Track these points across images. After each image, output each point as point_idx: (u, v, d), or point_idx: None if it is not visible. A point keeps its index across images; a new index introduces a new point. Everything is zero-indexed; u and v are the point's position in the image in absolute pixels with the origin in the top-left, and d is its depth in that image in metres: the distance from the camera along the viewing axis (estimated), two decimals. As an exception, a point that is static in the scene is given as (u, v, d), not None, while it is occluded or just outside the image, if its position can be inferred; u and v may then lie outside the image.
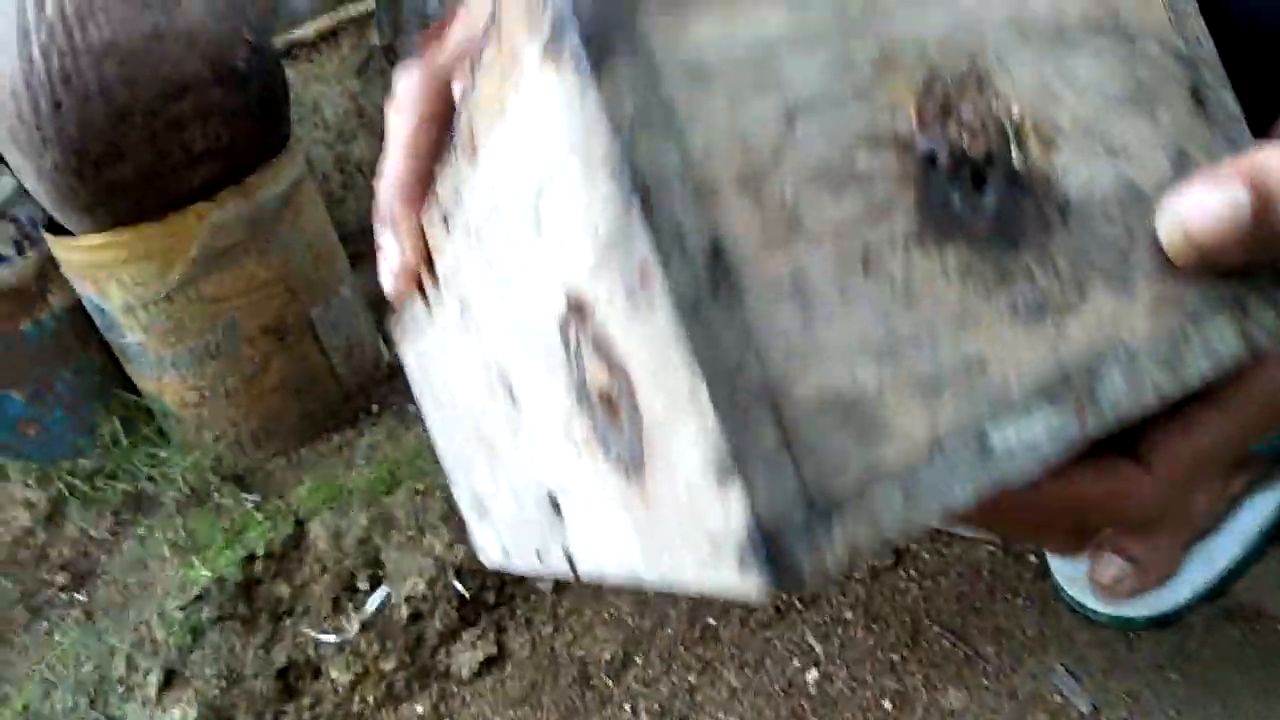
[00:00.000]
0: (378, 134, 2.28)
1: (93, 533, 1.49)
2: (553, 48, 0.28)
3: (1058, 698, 1.11)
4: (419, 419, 1.57)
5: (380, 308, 1.93)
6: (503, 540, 0.58)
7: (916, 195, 0.31)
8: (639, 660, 1.34)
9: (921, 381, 0.30)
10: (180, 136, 1.36)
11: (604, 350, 0.31)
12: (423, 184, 0.42)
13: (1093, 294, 0.34)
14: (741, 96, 0.29)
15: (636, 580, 0.37)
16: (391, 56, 2.24)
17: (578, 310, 0.32)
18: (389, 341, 1.77)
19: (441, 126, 0.43)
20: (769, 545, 0.27)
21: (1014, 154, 0.33)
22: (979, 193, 0.32)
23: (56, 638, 1.34)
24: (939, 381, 0.30)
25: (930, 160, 0.31)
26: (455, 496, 0.63)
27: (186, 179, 1.38)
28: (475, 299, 0.41)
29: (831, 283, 0.30)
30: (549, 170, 0.30)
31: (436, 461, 1.48)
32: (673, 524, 0.31)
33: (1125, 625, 1.13)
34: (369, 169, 2.30)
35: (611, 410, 0.32)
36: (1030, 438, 0.32)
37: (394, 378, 1.70)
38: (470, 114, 0.35)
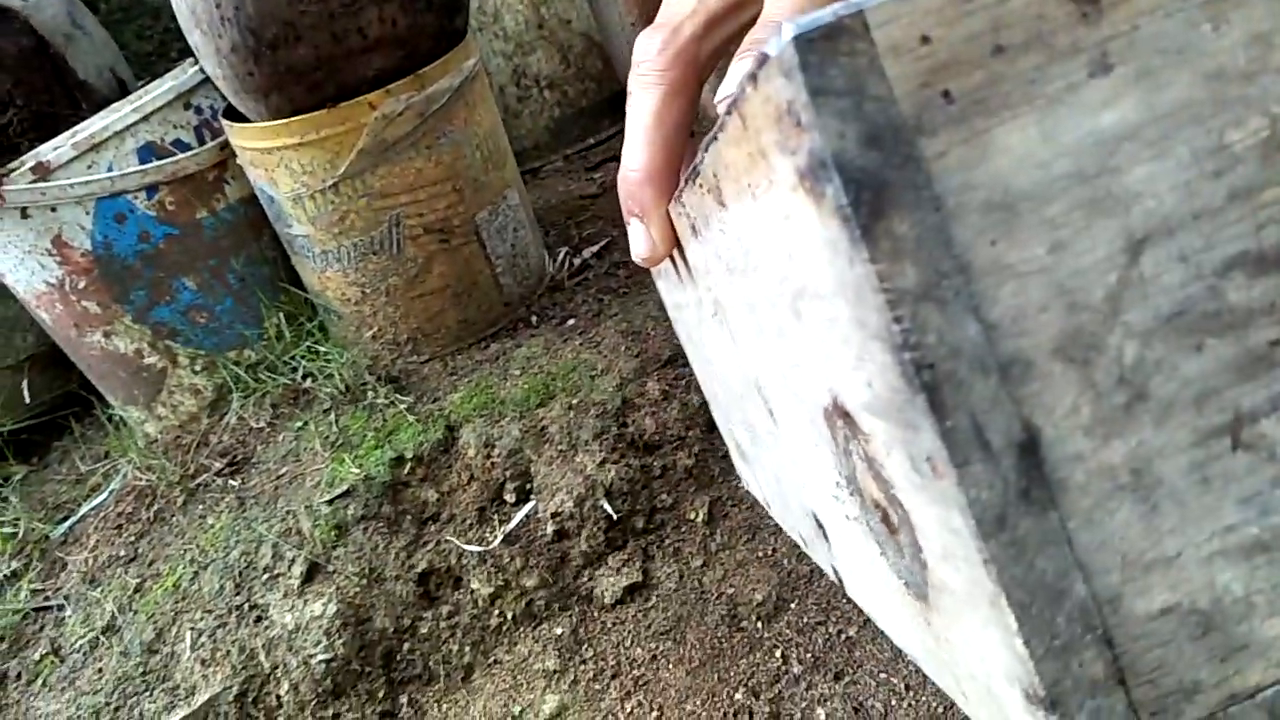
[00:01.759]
0: (558, 46, 2.21)
1: (252, 423, 1.50)
2: (812, 185, 0.23)
3: None
4: (579, 333, 1.50)
5: (549, 221, 1.86)
6: (763, 492, 0.53)
7: None
8: (794, 605, 1.24)
9: None
10: (357, 21, 1.32)
11: (879, 478, 0.27)
12: (671, 172, 0.39)
13: None
14: (1066, 232, 0.23)
15: (906, 652, 0.34)
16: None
17: (846, 417, 0.28)
18: (554, 255, 1.70)
19: (689, 100, 0.39)
20: None
21: None
22: None
23: (210, 521, 1.34)
24: None
25: None
26: (713, 415, 0.56)
27: (361, 66, 1.34)
28: (732, 312, 0.37)
29: (1186, 468, 0.24)
30: (810, 285, 0.25)
31: (594, 377, 1.41)
32: (966, 676, 0.28)
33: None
34: (546, 82, 2.23)
35: (889, 527, 0.29)
36: None
37: (557, 291, 1.63)
38: (714, 163, 0.30)
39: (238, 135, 1.41)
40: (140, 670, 1.21)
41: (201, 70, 1.53)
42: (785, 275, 0.27)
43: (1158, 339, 0.24)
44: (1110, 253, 0.23)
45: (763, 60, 0.23)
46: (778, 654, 1.19)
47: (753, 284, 0.32)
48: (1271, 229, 0.24)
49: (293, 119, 1.32)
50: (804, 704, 1.12)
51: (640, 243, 0.41)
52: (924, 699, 1.10)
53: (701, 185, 0.33)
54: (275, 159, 1.36)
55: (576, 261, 1.70)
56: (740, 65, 0.34)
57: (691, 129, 0.40)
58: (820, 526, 0.40)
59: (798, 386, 0.32)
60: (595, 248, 1.73)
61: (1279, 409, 0.24)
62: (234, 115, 1.46)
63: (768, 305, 0.31)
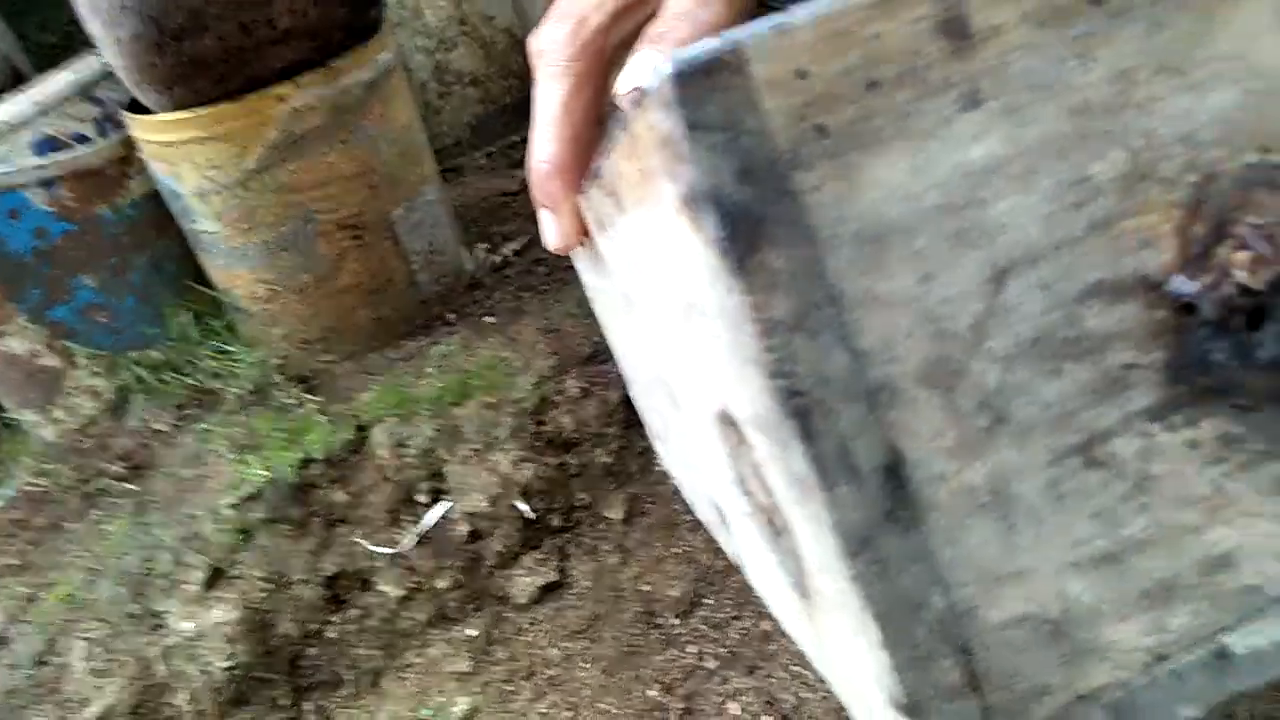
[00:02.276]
0: (480, 42, 2.18)
1: (155, 425, 1.45)
2: (692, 214, 0.23)
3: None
4: (497, 330, 1.48)
5: (469, 218, 1.84)
6: (676, 473, 0.54)
7: (1167, 355, 0.26)
8: (709, 601, 1.23)
9: (1149, 590, 0.26)
10: (265, 11, 1.28)
11: (764, 486, 0.28)
12: (580, 163, 0.39)
13: None
14: (934, 263, 0.24)
15: (796, 641, 0.35)
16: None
17: (733, 425, 0.28)
18: (474, 252, 1.68)
19: (596, 91, 0.39)
20: None
21: None
22: (1254, 338, 0.25)
23: (108, 527, 1.29)
24: (1172, 587, 0.26)
25: (1189, 308, 0.25)
26: (630, 393, 0.57)
27: (270, 58, 1.31)
28: (639, 306, 0.38)
29: (1042, 486, 0.25)
30: (697, 303, 0.26)
31: (511, 375, 1.39)
32: (843, 675, 0.29)
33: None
34: (469, 79, 2.21)
35: (775, 530, 0.30)
36: None
37: (476, 288, 1.61)
38: (612, 171, 0.30)
39: (140, 128, 1.36)
40: (30, 682, 1.16)
41: (104, 62, 1.48)
42: (678, 287, 0.28)
43: (1019, 364, 0.25)
44: (976, 283, 0.24)
45: (642, 93, 0.24)
46: (692, 650, 1.18)
47: (654, 285, 0.32)
48: (1129, 258, 0.25)
49: (197, 111, 1.28)
50: (718, 699, 1.12)
51: (550, 233, 0.41)
52: (834, 693, 1.10)
53: (603, 188, 0.33)
54: (179, 153, 1.32)
55: (496, 259, 1.68)
56: (637, 59, 0.34)
57: (601, 119, 0.40)
58: (722, 515, 0.40)
59: (695, 386, 0.32)
60: (516, 245, 1.72)
61: (1130, 428, 0.26)
62: (137, 108, 1.41)
63: (667, 307, 0.31)
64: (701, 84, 0.22)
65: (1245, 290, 0.25)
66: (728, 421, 0.29)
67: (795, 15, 0.22)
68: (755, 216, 0.23)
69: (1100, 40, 0.24)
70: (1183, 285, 0.25)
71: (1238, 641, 0.27)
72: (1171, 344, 0.26)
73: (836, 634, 0.28)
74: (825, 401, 0.24)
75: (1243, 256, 0.25)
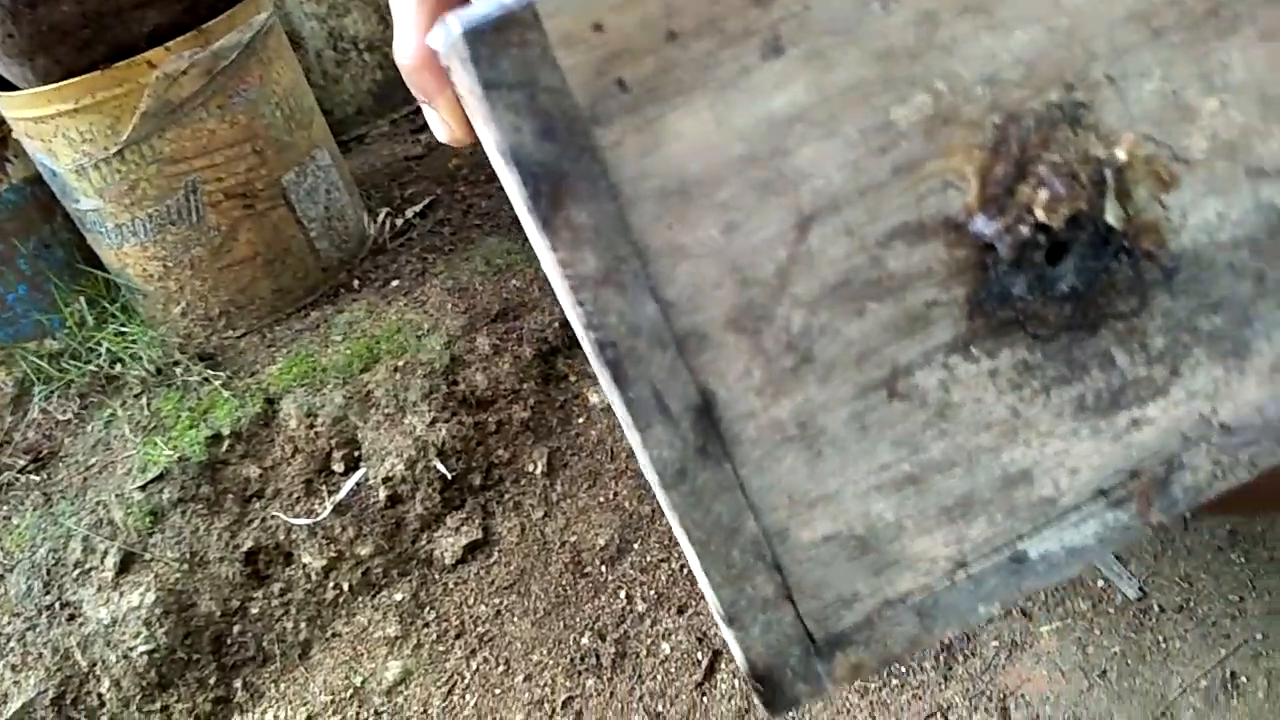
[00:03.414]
0: (374, 5, 2.12)
1: (58, 415, 1.40)
2: (505, 169, 0.24)
3: (1100, 583, 0.99)
4: (404, 294, 1.46)
5: (372, 184, 1.80)
6: None
7: (968, 290, 0.27)
8: (636, 546, 1.24)
9: (949, 507, 0.28)
10: (127, -25, 1.23)
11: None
12: None
13: (1189, 368, 0.29)
14: (738, 213, 0.25)
15: None
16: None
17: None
18: (376, 217, 1.64)
19: None
20: (764, 685, 0.27)
21: (1110, 209, 0.27)
22: (1053, 271, 0.27)
23: (14, 521, 1.25)
24: (970, 503, 0.28)
25: (990, 246, 0.27)
26: None
27: (134, 23, 1.25)
28: None
29: (846, 418, 0.27)
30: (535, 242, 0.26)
31: (420, 337, 1.36)
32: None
33: None
34: (365, 44, 2.15)
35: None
36: (1077, 543, 0.29)
37: (380, 253, 1.58)
38: (462, 95, 0.31)
39: (7, 105, 1.30)
40: (-58, 686, 1.12)
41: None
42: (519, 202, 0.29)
43: (823, 307, 0.26)
44: (780, 230, 0.25)
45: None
46: (622, 595, 1.19)
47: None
48: (932, 199, 0.26)
49: (64, 83, 1.22)
50: (649, 640, 1.12)
51: (437, 128, 0.40)
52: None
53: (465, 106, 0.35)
54: (50, 128, 1.26)
55: (399, 222, 1.64)
56: None
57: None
58: None
59: None
60: (418, 207, 1.68)
61: (931, 361, 0.27)
62: (4, 85, 1.34)
63: None
64: (494, 42, 0.22)
65: (1043, 228, 0.26)
66: None
67: None
68: (558, 174, 0.23)
69: None
70: (983, 226, 0.26)
71: (1032, 548, 0.29)
72: (973, 280, 0.27)
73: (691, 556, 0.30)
74: (636, 350, 0.24)
75: (1042, 195, 0.26)
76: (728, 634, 0.27)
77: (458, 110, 0.39)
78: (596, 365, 0.25)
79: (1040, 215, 0.26)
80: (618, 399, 0.25)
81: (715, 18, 0.23)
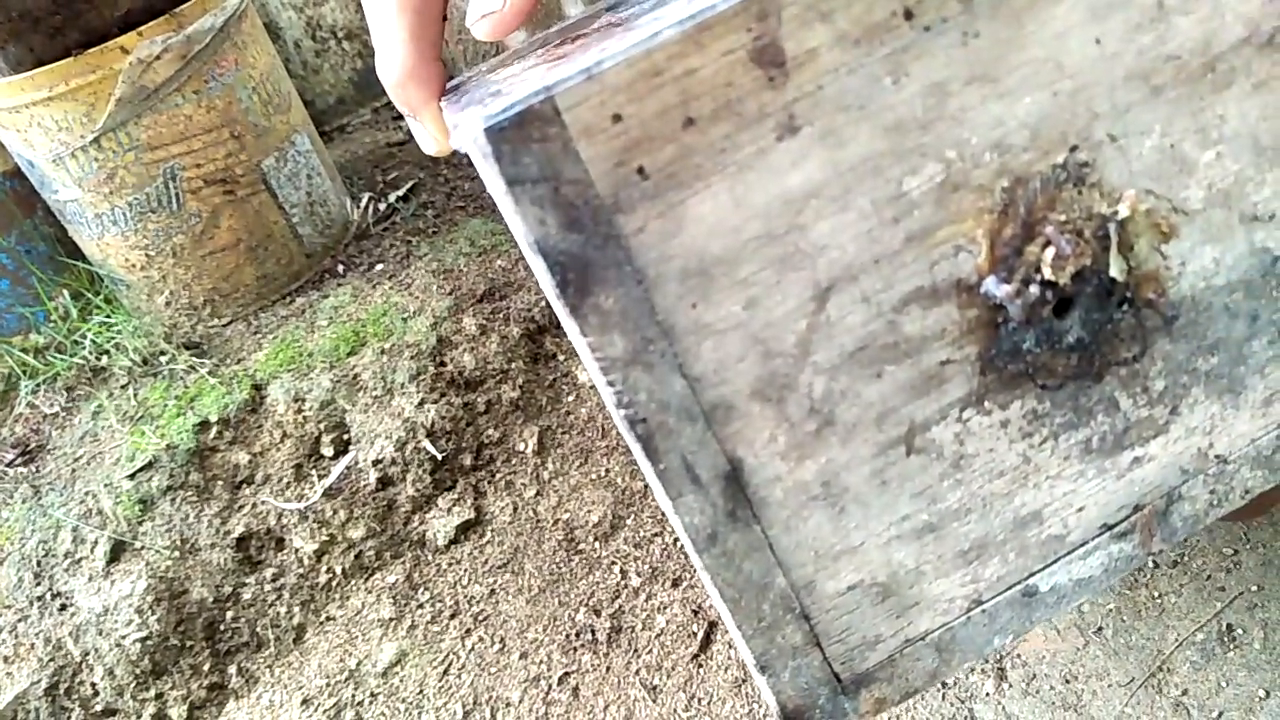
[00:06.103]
0: (349, -7, 2.10)
1: (45, 409, 1.39)
2: (532, 256, 0.24)
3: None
4: (389, 277, 1.45)
5: (355, 171, 1.79)
6: None
7: (980, 348, 0.28)
8: (629, 521, 1.23)
9: (965, 550, 0.29)
10: (97, -40, 1.21)
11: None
12: (429, 61, 0.38)
13: (1187, 406, 0.30)
14: (758, 289, 0.25)
15: None
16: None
17: None
18: (359, 202, 1.63)
19: None
20: None
21: (1113, 261, 0.27)
22: (1060, 324, 0.28)
23: (3, 514, 1.24)
24: (985, 545, 0.29)
25: (1001, 307, 0.28)
26: None
27: (105, 8, 1.24)
28: None
29: (868, 475, 0.27)
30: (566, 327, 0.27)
31: (406, 319, 1.36)
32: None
33: None
34: (344, 33, 2.13)
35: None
36: (1084, 574, 0.30)
37: (364, 238, 1.57)
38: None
39: (-20, 97, 1.29)
40: (-66, 681, 1.12)
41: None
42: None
43: (843, 372, 0.27)
44: (799, 303, 0.26)
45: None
46: (616, 570, 1.18)
47: None
48: (944, 264, 0.27)
49: (36, 71, 1.21)
50: (644, 614, 1.12)
51: (423, 140, 0.40)
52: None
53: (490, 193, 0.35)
54: (25, 118, 1.25)
55: (382, 206, 1.63)
56: None
57: (444, 9, 0.38)
58: None
59: None
60: (401, 191, 1.67)
61: (947, 417, 0.28)
62: (-22, 78, 1.33)
63: None
64: (516, 138, 0.22)
65: (1050, 285, 0.27)
66: None
67: (605, 57, 0.22)
68: (583, 263, 0.23)
69: (913, 55, 0.24)
70: (994, 288, 0.27)
71: (1043, 582, 0.30)
72: (984, 338, 0.27)
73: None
74: (666, 424, 0.25)
75: (1049, 254, 0.27)
76: (760, 680, 0.29)
77: (442, 123, 0.39)
78: (629, 439, 0.26)
79: (1048, 273, 0.27)
80: (649, 470, 0.26)
81: (731, 102, 0.23)
